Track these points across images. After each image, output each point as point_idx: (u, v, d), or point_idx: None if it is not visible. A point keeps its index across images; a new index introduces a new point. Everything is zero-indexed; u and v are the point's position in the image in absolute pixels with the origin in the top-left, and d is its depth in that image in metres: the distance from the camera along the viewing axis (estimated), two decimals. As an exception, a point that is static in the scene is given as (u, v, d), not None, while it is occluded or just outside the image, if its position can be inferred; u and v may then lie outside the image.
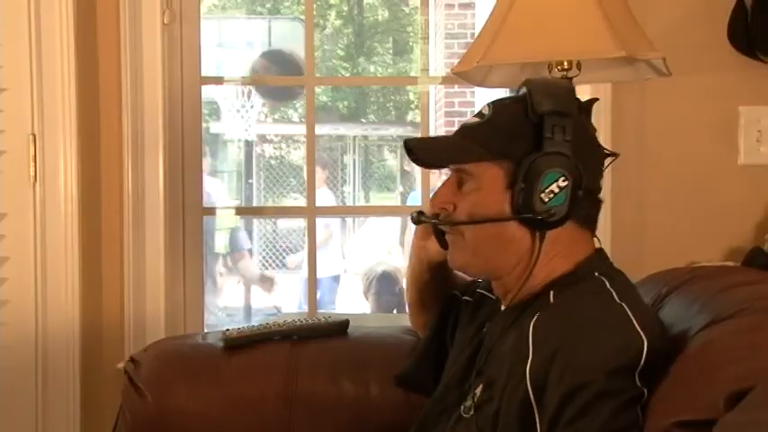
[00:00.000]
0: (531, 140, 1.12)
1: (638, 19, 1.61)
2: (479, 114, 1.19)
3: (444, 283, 1.42)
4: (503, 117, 1.16)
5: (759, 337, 0.98)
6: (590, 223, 1.18)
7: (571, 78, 1.57)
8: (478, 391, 1.13)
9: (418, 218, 1.24)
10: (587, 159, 1.14)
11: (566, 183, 1.10)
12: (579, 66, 1.59)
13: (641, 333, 1.00)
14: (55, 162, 1.89)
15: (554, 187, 1.10)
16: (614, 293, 1.08)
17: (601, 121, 1.82)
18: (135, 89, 1.96)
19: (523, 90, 1.17)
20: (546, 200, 1.10)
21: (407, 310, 1.53)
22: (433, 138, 1.33)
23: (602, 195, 1.19)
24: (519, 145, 1.12)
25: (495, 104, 1.19)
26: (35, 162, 1.88)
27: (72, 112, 1.88)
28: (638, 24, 1.59)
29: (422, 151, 1.20)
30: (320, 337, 1.58)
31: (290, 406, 1.49)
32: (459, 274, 1.47)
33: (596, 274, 1.13)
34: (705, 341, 1.03)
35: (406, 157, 1.20)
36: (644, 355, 0.99)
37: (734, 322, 1.04)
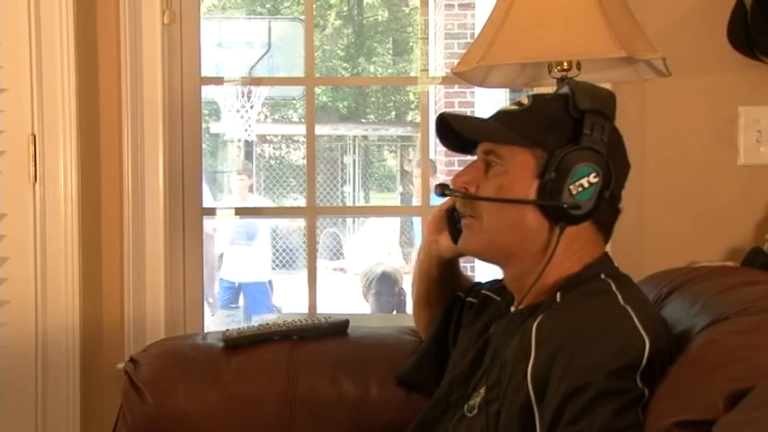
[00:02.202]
0: (568, 134, 1.12)
1: (638, 19, 1.61)
2: (518, 103, 1.19)
3: (451, 282, 1.42)
4: (542, 108, 1.16)
5: (759, 337, 0.98)
6: (606, 230, 1.18)
7: (570, 78, 1.57)
8: (483, 390, 1.13)
9: (442, 191, 1.22)
10: (618, 165, 1.15)
11: (596, 179, 1.11)
12: (579, 66, 1.59)
13: (644, 334, 1.00)
14: (55, 162, 1.89)
15: (584, 182, 1.10)
16: (619, 296, 1.08)
17: (601, 121, 1.82)
18: (135, 89, 1.96)
19: (564, 90, 1.17)
20: (574, 192, 1.10)
21: (411, 308, 1.53)
22: (469, 115, 1.33)
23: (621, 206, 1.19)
24: (555, 136, 1.12)
25: (536, 96, 1.19)
26: (35, 162, 1.88)
27: (72, 112, 1.88)
28: (638, 24, 1.59)
29: (459, 123, 1.19)
30: (320, 337, 1.58)
31: (290, 406, 1.49)
32: (466, 274, 1.47)
33: (603, 276, 1.13)
34: (705, 341, 1.03)
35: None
36: (645, 356, 0.99)
37: (734, 322, 1.04)
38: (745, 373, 0.90)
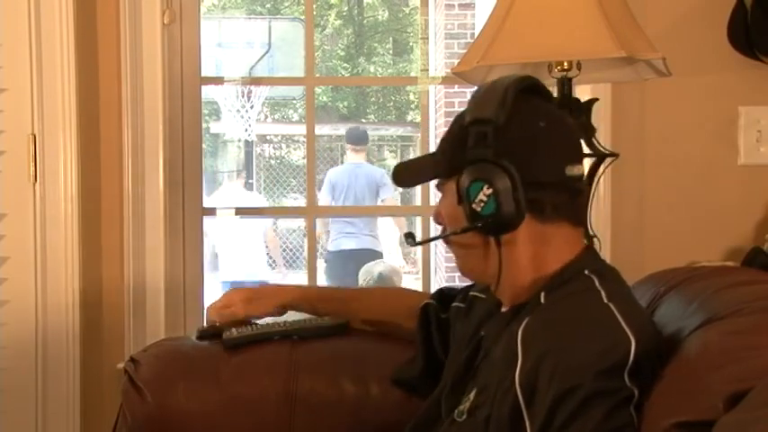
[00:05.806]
0: (463, 154, 1.13)
1: (638, 19, 1.61)
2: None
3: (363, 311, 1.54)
4: (451, 132, 1.19)
5: (758, 337, 0.98)
6: (574, 218, 1.15)
7: (570, 78, 1.57)
8: (472, 395, 1.12)
9: (406, 239, 1.29)
10: (527, 154, 1.10)
11: (490, 189, 1.09)
12: (579, 66, 1.59)
13: (629, 333, 0.99)
14: (55, 162, 1.89)
15: (482, 197, 1.09)
16: (603, 293, 1.06)
17: (601, 121, 1.82)
18: (135, 89, 1.96)
19: None
20: (479, 210, 1.09)
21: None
22: (410, 162, 1.36)
23: (594, 188, 1.19)
24: (458, 159, 1.13)
25: (455, 117, 1.20)
26: (35, 162, 1.88)
27: (72, 112, 1.88)
28: (638, 24, 1.59)
29: (399, 177, 1.26)
30: (320, 336, 1.58)
31: (290, 406, 1.48)
32: (407, 290, 1.52)
33: (586, 272, 1.11)
34: (703, 341, 1.02)
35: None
36: (632, 355, 0.97)
37: (732, 322, 1.03)
38: (744, 374, 0.90)
